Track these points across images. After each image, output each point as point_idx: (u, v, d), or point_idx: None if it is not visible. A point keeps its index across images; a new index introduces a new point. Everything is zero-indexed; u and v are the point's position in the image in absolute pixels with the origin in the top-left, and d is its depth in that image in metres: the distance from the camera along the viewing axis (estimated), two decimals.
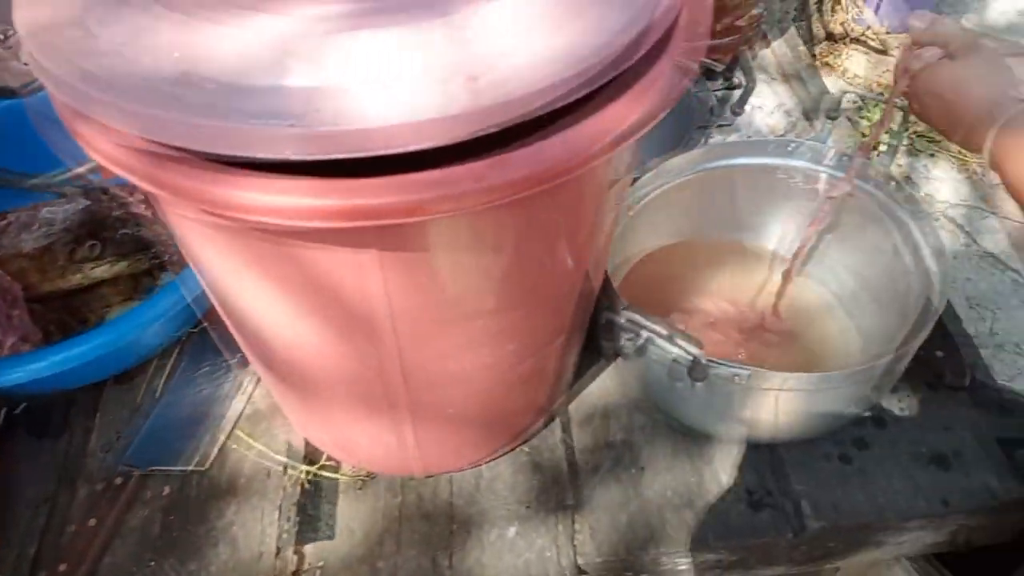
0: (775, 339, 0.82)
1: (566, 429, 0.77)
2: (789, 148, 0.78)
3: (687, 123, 0.91)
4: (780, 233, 0.86)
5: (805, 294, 0.84)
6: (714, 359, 0.61)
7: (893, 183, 0.73)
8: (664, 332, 0.59)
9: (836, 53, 2.29)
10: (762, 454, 0.74)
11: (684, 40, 0.45)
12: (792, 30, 1.21)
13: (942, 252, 0.70)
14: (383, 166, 0.37)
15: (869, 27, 2.23)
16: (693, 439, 0.75)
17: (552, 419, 0.78)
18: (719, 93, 0.93)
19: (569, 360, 0.72)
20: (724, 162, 0.81)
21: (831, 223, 0.81)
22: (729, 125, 0.90)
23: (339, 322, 0.50)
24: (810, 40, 2.16)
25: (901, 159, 2.02)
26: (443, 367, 0.56)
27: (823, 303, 0.83)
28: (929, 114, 0.59)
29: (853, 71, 2.26)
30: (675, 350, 0.59)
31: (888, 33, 2.25)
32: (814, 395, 0.63)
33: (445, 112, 0.36)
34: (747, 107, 1.06)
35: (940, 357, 0.79)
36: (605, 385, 0.80)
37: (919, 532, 0.73)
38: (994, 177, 0.56)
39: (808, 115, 0.95)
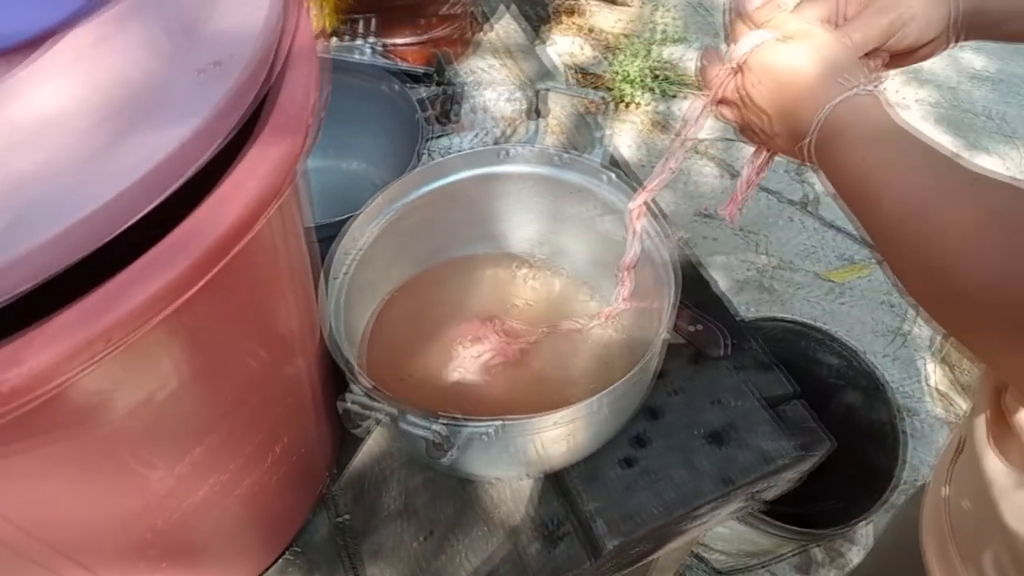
0: (545, 346, 0.78)
1: (338, 512, 0.68)
2: (501, 155, 0.73)
3: (415, 143, 0.83)
4: (526, 235, 0.82)
5: (566, 293, 0.81)
6: (457, 418, 0.54)
7: (608, 176, 0.70)
8: (393, 413, 0.51)
9: (578, 12, 2.32)
10: (549, 482, 0.70)
11: (289, 112, 0.37)
12: (504, 8, 1.16)
13: (667, 236, 0.68)
14: None
15: None
16: (476, 487, 0.69)
17: (322, 503, 0.69)
18: (437, 98, 0.86)
19: (312, 448, 0.63)
20: (444, 181, 0.75)
21: (571, 219, 0.78)
22: (447, 135, 0.84)
23: None
24: (549, 1, 2.17)
25: (648, 106, 2.10)
26: (131, 538, 0.45)
27: (580, 294, 0.80)
28: (760, 96, 0.53)
29: (597, 26, 2.31)
30: (415, 431, 0.52)
31: None
32: (571, 425, 0.59)
33: None
34: (480, 99, 1.00)
35: (697, 331, 0.78)
36: (373, 450, 0.72)
37: (712, 512, 0.73)
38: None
39: (536, 110, 0.91)
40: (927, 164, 0.42)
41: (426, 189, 0.75)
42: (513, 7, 1.23)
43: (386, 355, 0.74)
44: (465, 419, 0.54)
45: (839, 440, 1.32)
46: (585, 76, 2.12)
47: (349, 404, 0.53)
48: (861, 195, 0.46)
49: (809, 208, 1.96)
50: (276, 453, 0.54)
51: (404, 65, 0.86)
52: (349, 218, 0.70)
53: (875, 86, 0.49)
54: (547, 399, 0.73)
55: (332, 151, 0.91)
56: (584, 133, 0.90)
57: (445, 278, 0.81)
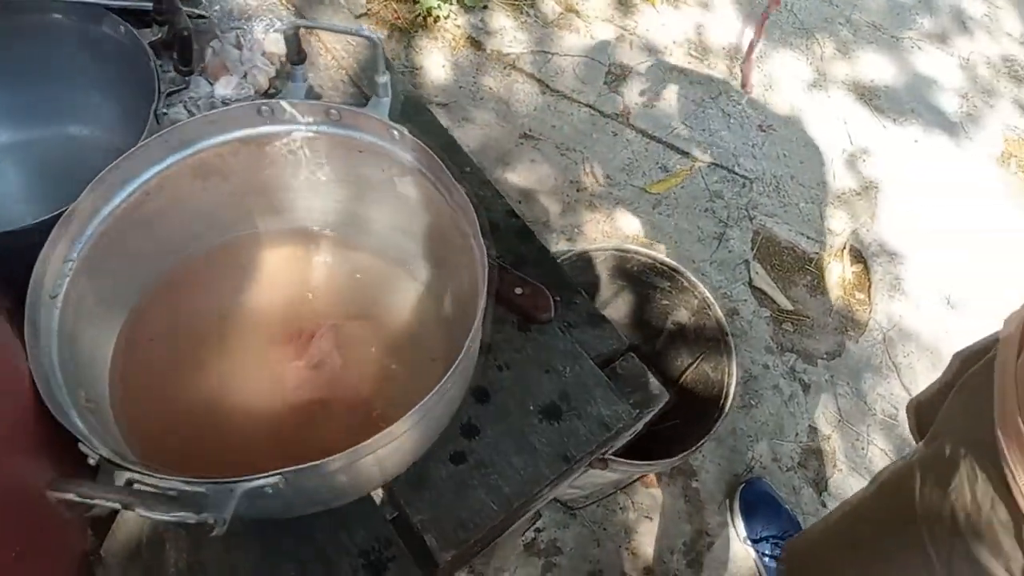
0: (354, 330, 0.67)
1: None
2: (263, 112, 0.59)
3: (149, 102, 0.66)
4: (311, 206, 0.68)
5: (368, 268, 0.69)
6: (231, 481, 0.43)
7: (397, 131, 0.58)
8: (117, 503, 0.38)
9: None
10: (368, 496, 0.60)
11: None
12: None
13: (455, 190, 0.57)
14: None
15: None
16: (279, 523, 0.58)
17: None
18: (174, 40, 0.68)
19: (51, 533, 0.48)
20: (192, 149, 0.60)
21: (365, 183, 0.65)
22: (185, 88, 0.67)
23: None
24: None
25: (458, 20, 1.95)
26: None
27: (388, 273, 0.69)
28: None
29: None
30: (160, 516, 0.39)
31: None
32: (379, 452, 0.49)
33: None
34: (240, 32, 0.82)
35: (522, 295, 0.70)
36: None
37: (553, 489, 0.67)
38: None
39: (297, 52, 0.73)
40: None
41: (171, 161, 0.60)
42: None
43: (146, 389, 0.60)
44: (228, 481, 0.42)
45: (670, 359, 1.33)
46: None
47: (62, 496, 0.39)
48: None
49: (627, 120, 1.93)
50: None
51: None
52: (61, 213, 0.54)
53: None
54: (362, 407, 0.62)
55: (46, 117, 0.71)
56: (367, 77, 0.76)
57: (213, 271, 0.66)
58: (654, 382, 0.72)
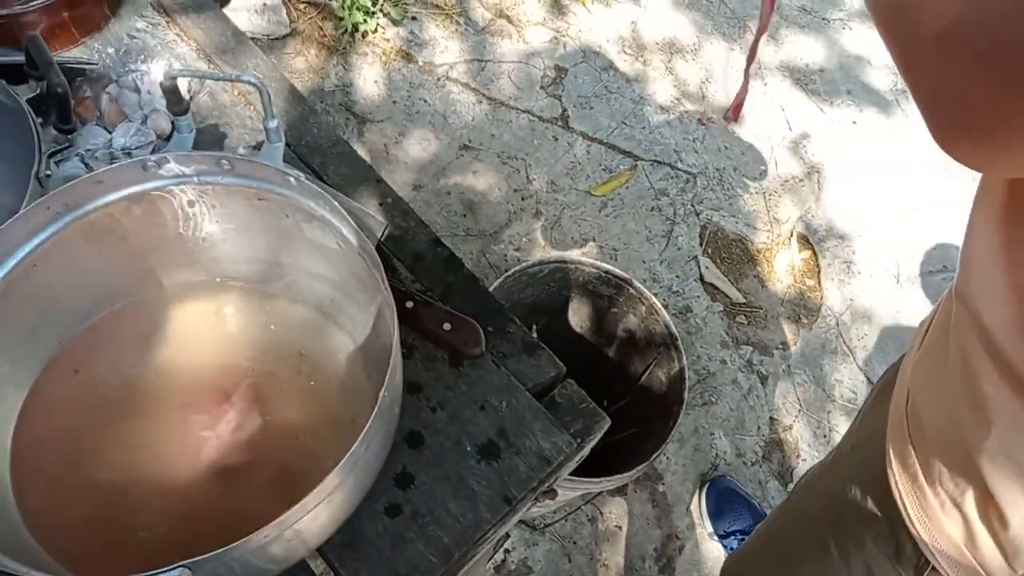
0: (272, 386, 0.63)
1: None
2: (149, 167, 0.55)
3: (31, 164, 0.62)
4: (220, 257, 0.65)
5: (283, 318, 0.66)
6: None
7: (292, 177, 0.55)
8: None
9: None
10: (305, 562, 0.57)
11: None
12: None
13: (357, 235, 0.55)
14: None
15: None
16: None
17: None
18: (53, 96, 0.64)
19: None
20: (81, 211, 0.56)
21: (271, 230, 0.62)
22: (70, 146, 0.63)
23: None
24: None
25: (387, 33, 1.91)
26: None
27: (305, 321, 0.66)
28: None
29: None
30: None
31: None
32: (294, 527, 0.46)
33: None
34: (138, 75, 0.78)
35: (450, 329, 0.68)
36: None
37: (497, 531, 0.65)
38: None
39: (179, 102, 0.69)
40: None
41: (56, 227, 0.56)
42: None
43: (52, 471, 0.56)
44: None
45: (623, 367, 1.32)
46: (311, 7, 1.87)
47: None
48: None
49: (567, 124, 1.91)
50: None
51: None
52: None
53: None
54: (285, 470, 0.59)
55: None
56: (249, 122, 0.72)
57: (118, 336, 0.62)
58: (594, 407, 0.69)
